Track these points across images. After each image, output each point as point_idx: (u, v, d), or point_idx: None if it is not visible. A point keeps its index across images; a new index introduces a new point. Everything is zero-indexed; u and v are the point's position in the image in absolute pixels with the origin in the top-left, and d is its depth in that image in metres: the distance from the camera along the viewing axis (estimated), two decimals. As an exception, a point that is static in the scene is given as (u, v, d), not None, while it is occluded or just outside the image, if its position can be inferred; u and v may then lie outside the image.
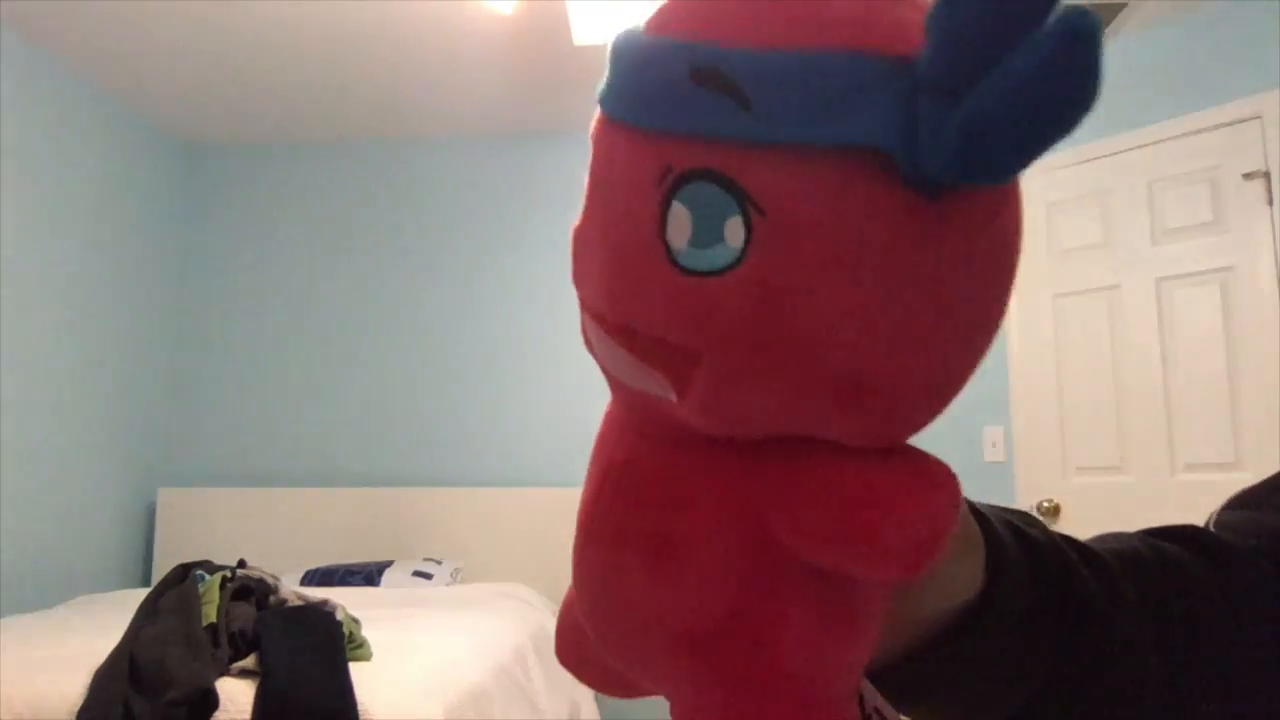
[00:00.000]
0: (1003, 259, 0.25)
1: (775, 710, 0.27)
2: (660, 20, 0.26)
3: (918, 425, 0.26)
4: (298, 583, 2.74)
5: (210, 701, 1.39)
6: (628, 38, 0.26)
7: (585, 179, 0.28)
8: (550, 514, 3.12)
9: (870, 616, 0.28)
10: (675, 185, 0.24)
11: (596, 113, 0.27)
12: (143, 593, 2.09)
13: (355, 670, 1.52)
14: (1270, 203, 2.37)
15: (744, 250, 0.23)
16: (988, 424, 2.90)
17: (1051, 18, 0.20)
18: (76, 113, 2.92)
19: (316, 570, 2.87)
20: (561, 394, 3.28)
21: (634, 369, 0.26)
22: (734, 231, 0.23)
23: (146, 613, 1.68)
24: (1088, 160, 2.72)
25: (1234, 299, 2.42)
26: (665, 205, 0.24)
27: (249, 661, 1.53)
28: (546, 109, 3.24)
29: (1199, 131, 2.50)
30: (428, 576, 2.85)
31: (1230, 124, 2.45)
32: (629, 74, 0.26)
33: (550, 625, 2.56)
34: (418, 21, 2.64)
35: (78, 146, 2.92)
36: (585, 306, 0.28)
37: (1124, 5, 2.53)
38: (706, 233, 0.23)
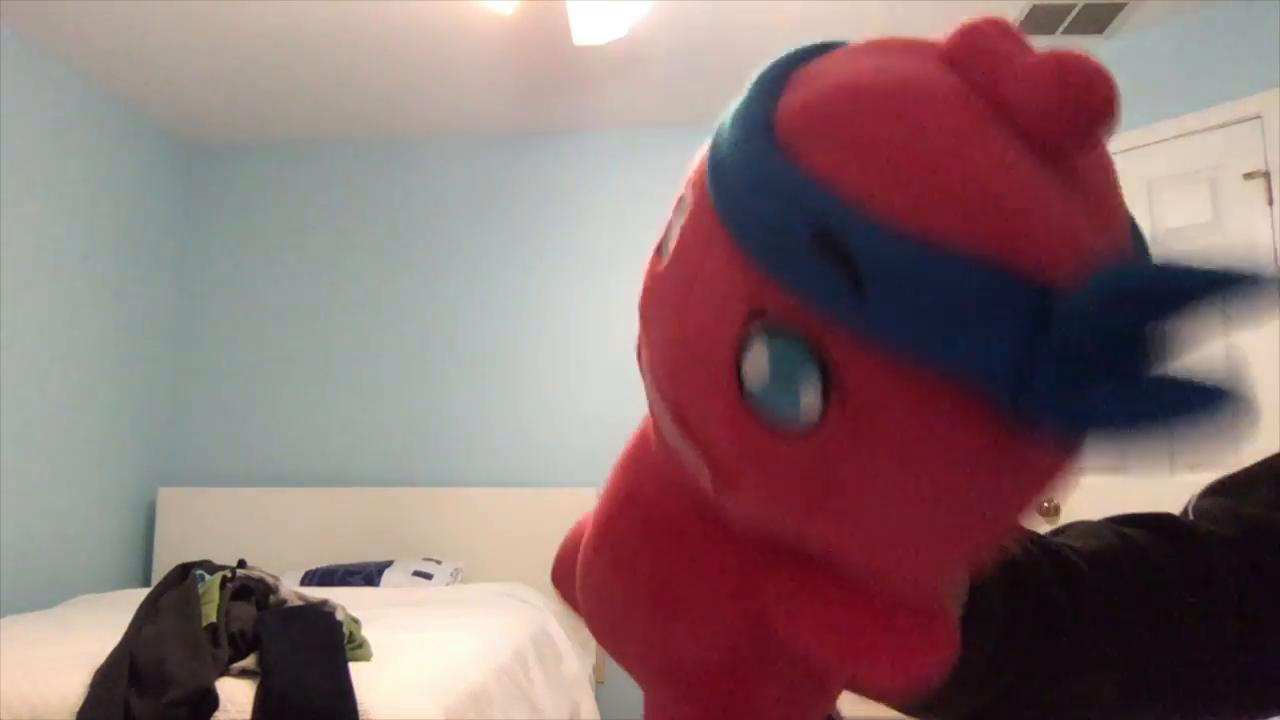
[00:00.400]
0: (1040, 494, 0.24)
1: None
2: (800, 130, 0.23)
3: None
4: (298, 583, 2.74)
5: (210, 701, 1.39)
6: (758, 144, 0.23)
7: (673, 221, 0.26)
8: (550, 514, 3.12)
9: (840, 685, 0.29)
10: (765, 329, 0.22)
11: (704, 157, 0.25)
12: (143, 593, 2.09)
13: (355, 670, 1.52)
14: (1270, 203, 2.37)
15: (817, 419, 0.22)
16: (988, 424, 2.90)
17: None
18: (76, 113, 2.92)
19: (316, 570, 2.87)
20: (562, 394, 3.28)
21: (679, 439, 0.26)
22: (810, 400, 0.22)
23: (146, 613, 1.68)
24: (1088, 160, 2.72)
25: (1234, 299, 2.42)
26: (749, 339, 0.23)
27: (249, 661, 1.53)
28: (546, 109, 3.24)
29: (1199, 131, 2.50)
30: (428, 576, 2.85)
31: (1230, 124, 2.45)
32: (748, 189, 0.23)
33: (551, 626, 2.56)
34: (418, 21, 2.64)
35: (78, 146, 2.92)
36: (648, 346, 0.27)
37: (1124, 5, 2.53)
38: (782, 387, 0.22)
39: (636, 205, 3.37)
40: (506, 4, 2.15)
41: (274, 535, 3.17)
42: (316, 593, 2.01)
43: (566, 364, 3.30)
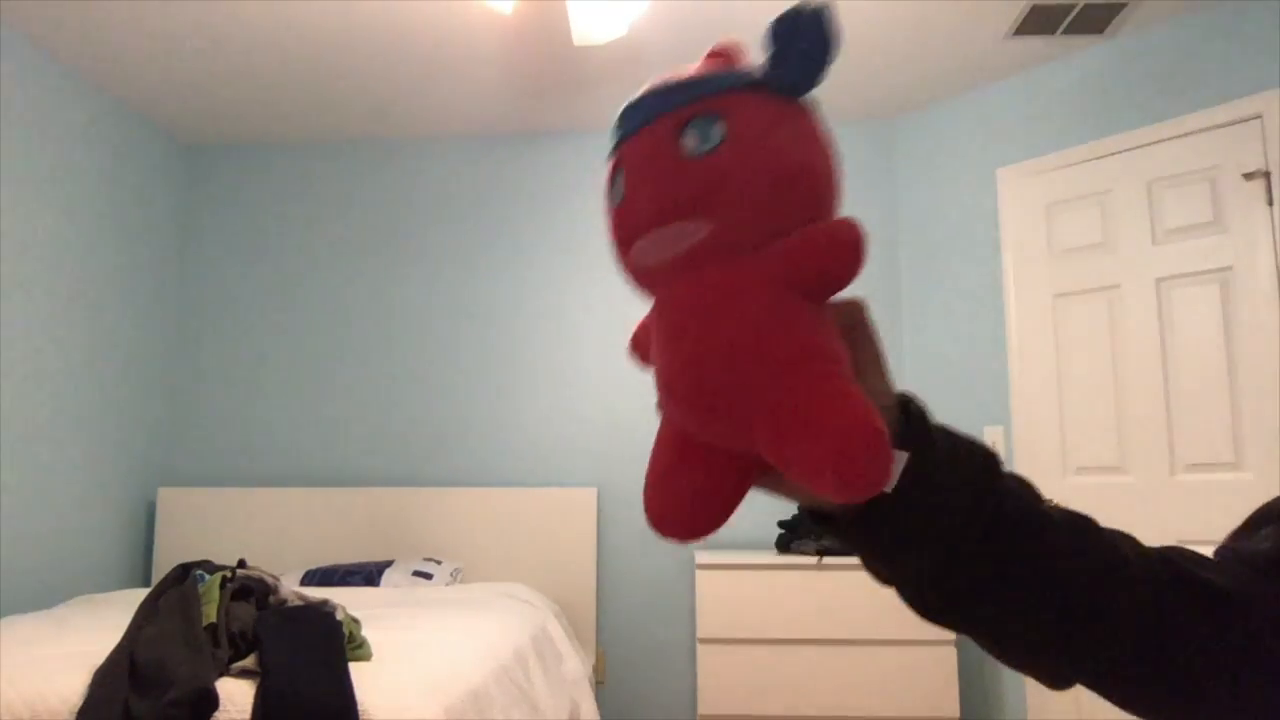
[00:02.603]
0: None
1: None
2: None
3: None
4: (298, 583, 2.74)
5: (210, 701, 1.39)
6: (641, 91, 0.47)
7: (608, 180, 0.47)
8: (550, 514, 3.12)
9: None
10: (683, 126, 0.43)
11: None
12: (143, 593, 2.09)
13: (355, 670, 1.52)
14: (1270, 203, 2.37)
15: (721, 142, 0.43)
16: (988, 424, 2.90)
17: None
18: (77, 113, 2.92)
19: (316, 570, 2.87)
20: (561, 394, 3.28)
21: (679, 233, 0.43)
22: (717, 132, 0.43)
23: (146, 613, 1.68)
24: (1088, 160, 2.72)
25: (1234, 299, 2.42)
26: (679, 136, 0.43)
27: (249, 661, 1.53)
28: (546, 109, 3.24)
29: (1199, 131, 2.50)
30: (428, 576, 2.85)
31: (1230, 124, 2.45)
32: (633, 111, 0.47)
33: (551, 626, 2.56)
34: (418, 21, 2.64)
35: (78, 146, 2.93)
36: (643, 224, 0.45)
37: (1124, 5, 2.53)
38: (705, 137, 0.43)
39: (636, 205, 3.37)
40: (506, 4, 2.15)
41: (274, 535, 3.18)
42: (316, 593, 2.01)
43: (566, 364, 3.30)
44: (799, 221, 0.43)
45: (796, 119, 0.44)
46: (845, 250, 0.42)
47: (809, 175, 0.44)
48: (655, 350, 0.45)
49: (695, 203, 0.42)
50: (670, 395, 0.44)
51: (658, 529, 0.47)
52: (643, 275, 0.46)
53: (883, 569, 0.46)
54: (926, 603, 0.45)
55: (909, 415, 0.43)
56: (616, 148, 0.47)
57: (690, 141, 0.43)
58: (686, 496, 0.46)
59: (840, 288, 0.43)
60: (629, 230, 0.45)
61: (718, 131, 0.43)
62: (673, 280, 0.44)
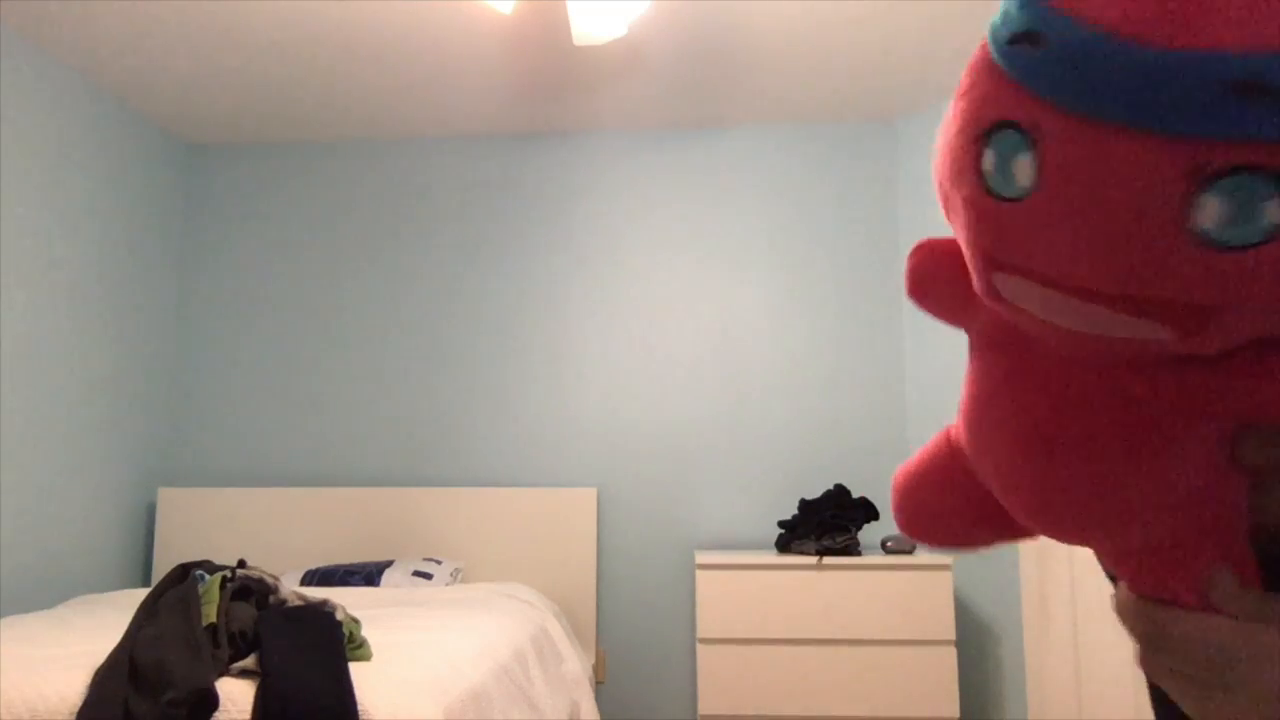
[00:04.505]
0: None
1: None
2: (1166, 24, 0.27)
3: None
4: (298, 583, 2.74)
5: (210, 701, 1.39)
6: (1128, 48, 0.27)
7: (1055, 177, 0.29)
8: (550, 514, 3.12)
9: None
10: (1210, 180, 0.27)
11: (1069, 121, 0.29)
12: (143, 593, 2.09)
13: (355, 670, 1.52)
14: (1270, 203, 2.36)
15: (1265, 241, 0.27)
16: (988, 424, 2.90)
17: None
18: (77, 113, 2.92)
19: (316, 570, 2.87)
20: (561, 394, 3.28)
21: (1115, 323, 0.31)
22: (1273, 212, 0.27)
23: (146, 613, 1.68)
24: (1088, 160, 2.72)
25: (1234, 299, 2.41)
26: (1192, 196, 0.27)
27: (249, 661, 1.53)
28: (546, 109, 3.24)
29: (1199, 132, 2.50)
30: (428, 576, 2.85)
31: (1230, 124, 2.44)
32: (1145, 83, 0.27)
33: (551, 626, 2.56)
34: (418, 21, 2.64)
35: (78, 146, 2.93)
36: (1052, 282, 0.31)
37: (1124, 5, 2.52)
38: (1244, 215, 0.27)
39: (636, 205, 3.37)
40: (506, 4, 2.15)
41: (274, 535, 3.18)
42: (316, 593, 2.01)
43: (566, 364, 3.30)
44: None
45: None
46: None
47: None
48: (1005, 426, 0.36)
49: (1184, 314, 0.29)
50: (1028, 510, 0.36)
51: (907, 531, 0.46)
52: (1006, 308, 0.34)
53: None
54: None
55: None
56: (1055, 102, 0.29)
57: (1210, 215, 0.27)
58: (952, 522, 0.44)
59: None
60: (1030, 260, 0.31)
61: (1267, 219, 0.27)
62: (1083, 361, 0.34)
